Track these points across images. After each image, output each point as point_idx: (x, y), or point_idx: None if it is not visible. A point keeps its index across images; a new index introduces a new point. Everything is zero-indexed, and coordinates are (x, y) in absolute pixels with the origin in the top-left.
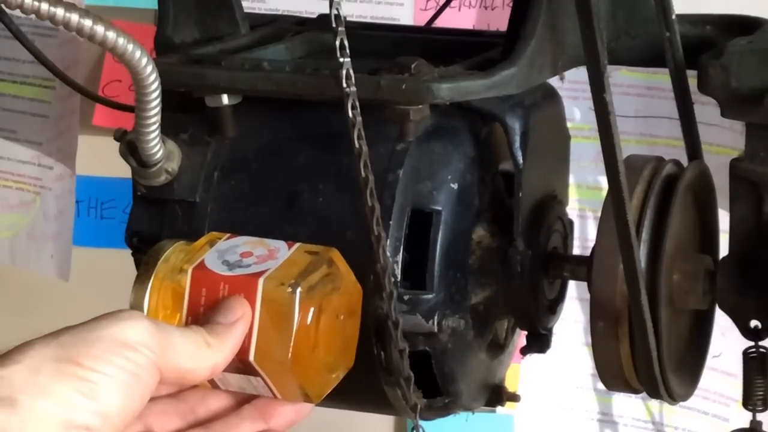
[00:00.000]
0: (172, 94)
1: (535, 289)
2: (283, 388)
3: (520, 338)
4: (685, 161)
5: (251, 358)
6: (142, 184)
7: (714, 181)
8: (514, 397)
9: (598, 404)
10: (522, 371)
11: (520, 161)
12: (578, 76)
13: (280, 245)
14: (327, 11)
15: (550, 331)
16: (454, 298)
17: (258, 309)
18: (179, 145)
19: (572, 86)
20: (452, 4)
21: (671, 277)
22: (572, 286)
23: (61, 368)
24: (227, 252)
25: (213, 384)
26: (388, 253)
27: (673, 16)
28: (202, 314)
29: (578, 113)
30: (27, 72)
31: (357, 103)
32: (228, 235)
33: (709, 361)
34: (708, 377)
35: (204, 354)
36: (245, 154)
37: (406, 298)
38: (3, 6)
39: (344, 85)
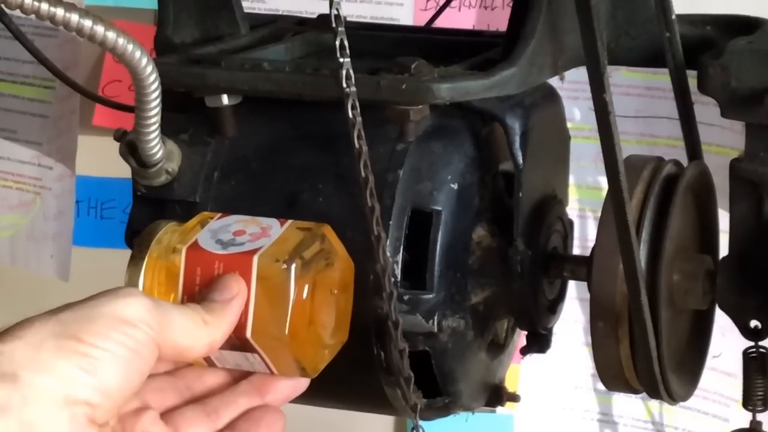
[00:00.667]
0: (172, 94)
1: (535, 289)
2: (279, 363)
3: (520, 338)
4: (685, 161)
5: (248, 334)
6: (142, 184)
7: (714, 181)
8: (514, 397)
9: (598, 404)
10: (522, 371)
11: (520, 161)
12: (578, 76)
13: (273, 223)
14: (327, 11)
15: (550, 331)
16: (454, 298)
17: (253, 286)
18: (179, 145)
19: (572, 86)
20: (452, 4)
21: (671, 277)
22: (572, 286)
23: (62, 344)
24: (220, 231)
25: (209, 362)
26: (388, 253)
27: (673, 16)
28: (198, 293)
29: (578, 113)
30: (27, 72)
31: (357, 103)
32: (219, 214)
33: (709, 361)
34: (708, 377)
35: (201, 331)
36: (245, 154)
37: (406, 298)
38: (3, 6)
39: (344, 85)
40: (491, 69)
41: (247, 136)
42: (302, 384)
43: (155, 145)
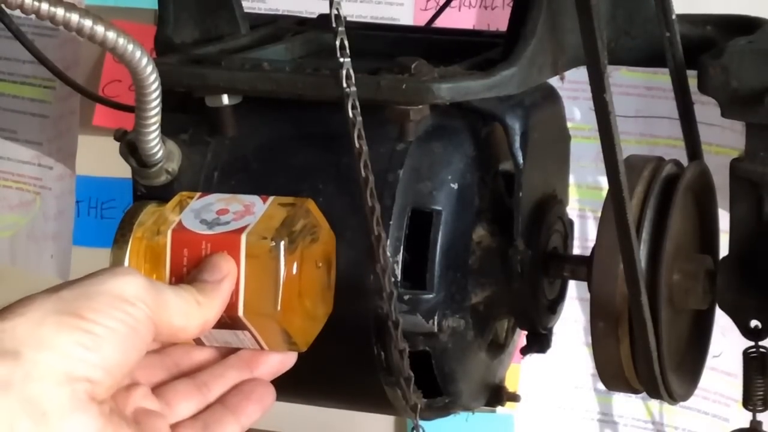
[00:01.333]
0: (172, 94)
1: (535, 289)
2: (270, 339)
3: (520, 338)
4: (685, 161)
5: (240, 312)
6: (143, 184)
7: (714, 181)
8: (514, 397)
9: (598, 404)
10: (522, 371)
11: (520, 161)
12: (578, 76)
13: (255, 200)
14: (327, 11)
15: (550, 330)
16: (454, 298)
17: (242, 264)
18: (179, 145)
19: (572, 86)
20: (452, 4)
21: (671, 277)
22: (572, 286)
23: (63, 320)
24: (203, 210)
25: (197, 341)
26: (388, 253)
27: (673, 16)
28: (186, 274)
29: (578, 113)
30: (27, 72)
31: (357, 103)
32: (199, 194)
33: (709, 361)
34: (708, 377)
35: (195, 312)
36: (245, 155)
37: (406, 298)
38: (3, 6)
39: (344, 85)
40: (491, 69)
41: (247, 136)
42: (291, 358)
43: (155, 145)
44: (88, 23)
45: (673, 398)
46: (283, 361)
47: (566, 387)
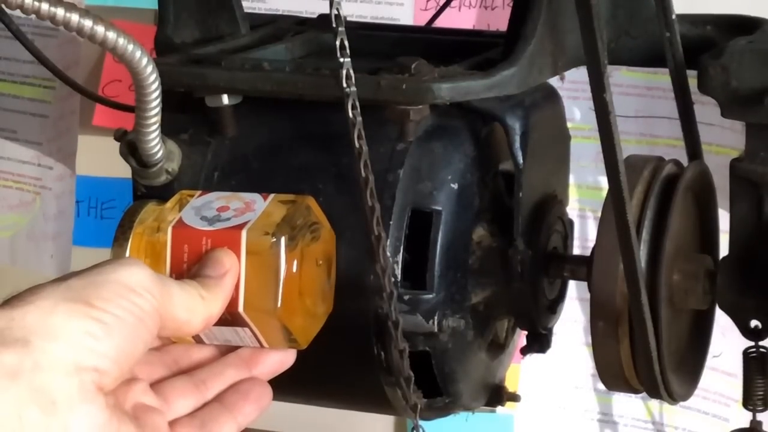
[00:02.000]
0: (172, 94)
1: (535, 289)
2: (270, 336)
3: (520, 338)
4: (685, 161)
5: (240, 308)
6: (143, 184)
7: (714, 181)
8: (514, 397)
9: (598, 404)
10: (522, 371)
11: (520, 161)
12: (578, 76)
13: (255, 197)
14: (327, 11)
15: (550, 331)
16: (454, 298)
17: (243, 260)
18: (179, 145)
19: (572, 86)
20: (452, 4)
21: (671, 277)
22: (572, 286)
23: (73, 309)
24: (203, 208)
25: (197, 339)
26: (388, 253)
27: (673, 16)
28: (186, 270)
29: (578, 113)
30: (27, 72)
31: (357, 103)
32: (200, 192)
33: (709, 361)
34: (708, 377)
35: (199, 306)
36: (245, 154)
37: (406, 298)
38: (3, 6)
39: (344, 85)
40: (491, 69)
41: (247, 136)
42: (290, 358)
43: (155, 145)
44: (88, 23)
45: (673, 398)
46: (282, 360)
47: (566, 387)
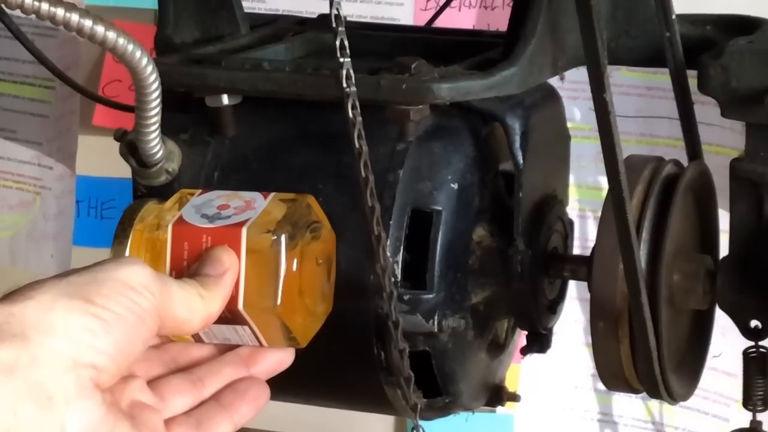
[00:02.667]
0: (172, 94)
1: (535, 289)
2: (269, 335)
3: (520, 338)
4: (685, 161)
5: (240, 306)
6: (143, 184)
7: (714, 181)
8: (514, 397)
9: (598, 404)
10: (522, 371)
11: (520, 161)
12: (578, 76)
13: (256, 196)
14: (327, 11)
15: (550, 331)
16: (454, 298)
17: (243, 258)
18: (179, 145)
19: (572, 86)
20: (452, 4)
21: (671, 277)
22: (572, 286)
23: (73, 305)
24: (204, 206)
25: (197, 338)
26: (388, 253)
27: (673, 16)
28: (186, 268)
29: (578, 113)
30: (27, 72)
31: (357, 103)
32: (200, 190)
33: (709, 361)
34: (708, 377)
35: (198, 305)
36: (245, 154)
37: (406, 298)
38: (3, 6)
39: (344, 85)
40: (491, 69)
41: (247, 136)
42: (288, 358)
43: (155, 145)
44: (88, 23)
45: (673, 398)
46: (281, 360)
47: (566, 387)
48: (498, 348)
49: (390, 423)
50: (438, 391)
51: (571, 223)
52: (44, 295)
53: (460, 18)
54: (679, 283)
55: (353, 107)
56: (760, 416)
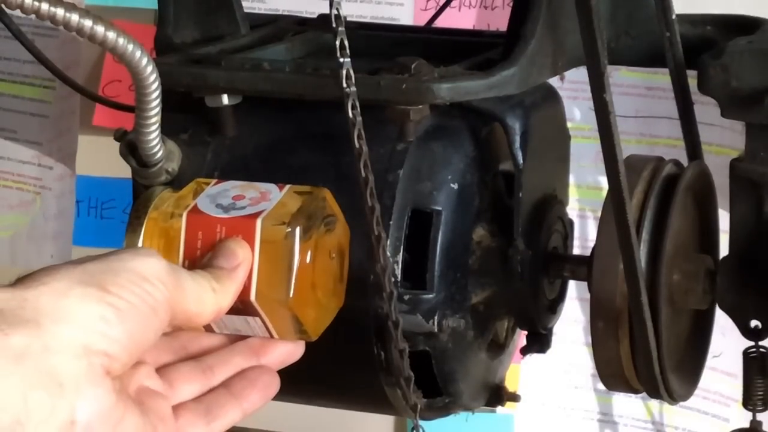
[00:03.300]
0: (172, 94)
1: (535, 289)
2: (280, 327)
3: (520, 338)
4: (685, 161)
5: (252, 297)
6: (143, 184)
7: (714, 181)
8: (514, 397)
9: (598, 404)
10: (522, 371)
11: (520, 161)
12: (578, 76)
13: (271, 187)
14: (327, 11)
15: (550, 331)
16: (454, 298)
17: (257, 249)
18: (179, 145)
19: (572, 86)
20: (452, 4)
21: (671, 277)
22: (572, 286)
23: (88, 292)
24: (219, 196)
25: (208, 328)
26: (388, 253)
27: (673, 16)
28: (199, 257)
29: (578, 113)
30: (27, 72)
31: (357, 103)
32: (215, 180)
33: (709, 361)
34: (708, 377)
35: (210, 298)
36: (245, 154)
37: (406, 298)
38: (3, 6)
39: (344, 85)
40: (491, 69)
41: (247, 136)
42: (298, 350)
43: (155, 145)
44: (88, 23)
45: (673, 398)
46: (291, 351)
47: (566, 387)
48: (498, 348)
49: (390, 423)
50: (438, 391)
51: (571, 223)
52: (59, 282)
53: (460, 18)
54: (679, 283)
55: (353, 107)
56: (760, 416)
